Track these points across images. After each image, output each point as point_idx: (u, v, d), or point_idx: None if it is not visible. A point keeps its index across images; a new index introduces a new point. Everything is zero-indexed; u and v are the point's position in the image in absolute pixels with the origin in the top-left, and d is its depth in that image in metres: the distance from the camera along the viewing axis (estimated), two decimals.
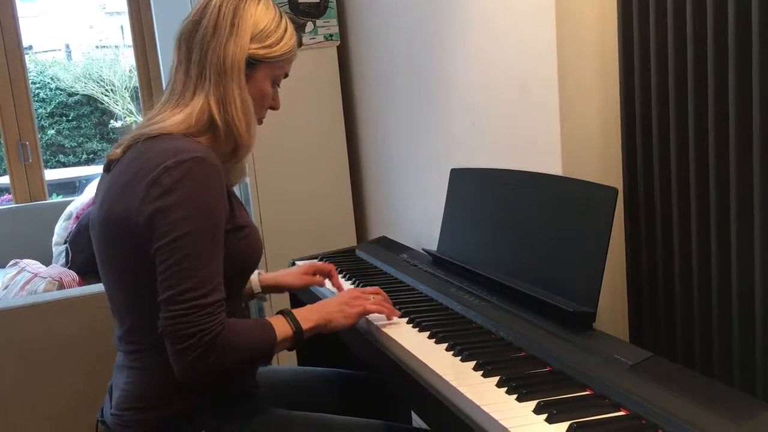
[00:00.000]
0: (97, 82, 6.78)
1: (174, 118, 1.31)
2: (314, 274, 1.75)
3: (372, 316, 1.47)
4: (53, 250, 3.51)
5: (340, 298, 1.45)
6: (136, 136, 1.31)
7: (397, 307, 1.54)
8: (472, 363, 1.23)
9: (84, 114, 6.91)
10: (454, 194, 1.89)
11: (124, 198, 1.25)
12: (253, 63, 1.35)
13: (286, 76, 1.44)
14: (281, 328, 1.33)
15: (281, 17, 1.39)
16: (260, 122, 1.44)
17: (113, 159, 1.34)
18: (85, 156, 6.89)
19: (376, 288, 1.53)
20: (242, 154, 1.37)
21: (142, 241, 1.22)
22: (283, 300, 2.19)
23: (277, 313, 1.37)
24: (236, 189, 1.58)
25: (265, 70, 1.37)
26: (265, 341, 1.30)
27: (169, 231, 1.19)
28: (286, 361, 2.50)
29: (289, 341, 1.34)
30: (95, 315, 2.24)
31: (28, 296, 2.60)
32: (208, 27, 1.33)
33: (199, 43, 1.33)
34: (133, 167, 1.26)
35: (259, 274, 1.70)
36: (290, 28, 1.40)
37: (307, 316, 1.37)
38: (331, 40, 2.74)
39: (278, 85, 1.43)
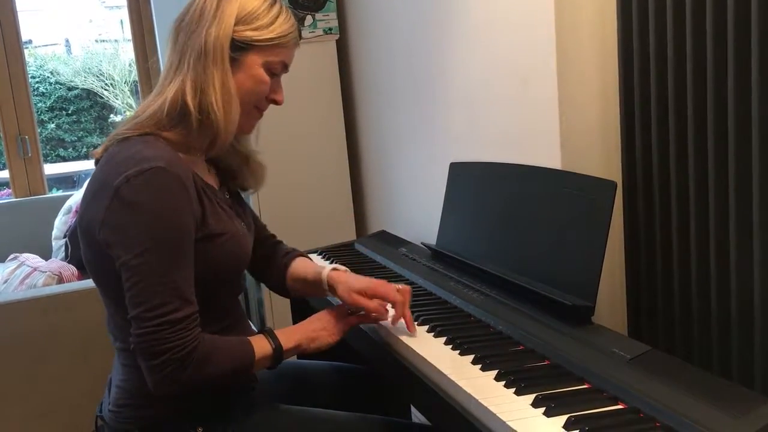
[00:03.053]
0: (97, 76, 6.77)
1: (149, 110, 1.29)
2: (372, 296, 1.42)
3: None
4: (53, 244, 3.52)
5: (325, 316, 1.42)
6: (113, 135, 1.30)
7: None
8: (471, 357, 1.24)
9: (84, 108, 6.90)
10: (453, 188, 1.88)
11: (91, 206, 1.24)
12: (241, 46, 1.31)
13: (286, 68, 1.39)
14: (260, 346, 1.31)
15: (275, 2, 1.35)
16: (260, 113, 1.40)
17: (97, 158, 1.33)
18: (84, 150, 6.89)
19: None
20: (221, 142, 1.31)
21: (104, 251, 1.21)
22: (284, 310, 2.20)
23: (259, 332, 1.35)
24: None
25: (255, 55, 1.32)
26: (242, 358, 1.28)
27: (129, 247, 1.17)
28: None
29: (268, 359, 1.32)
30: (94, 309, 2.23)
31: (27, 290, 2.60)
32: (194, 14, 1.31)
33: (184, 30, 1.31)
34: (102, 174, 1.25)
35: (333, 269, 1.50)
36: (285, 14, 1.36)
37: (290, 335, 1.36)
38: (330, 33, 2.74)
39: (277, 75, 1.38)
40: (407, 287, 1.43)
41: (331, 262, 1.96)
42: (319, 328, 1.39)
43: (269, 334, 1.34)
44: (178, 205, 1.21)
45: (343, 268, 1.52)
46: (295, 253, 1.61)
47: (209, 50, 1.28)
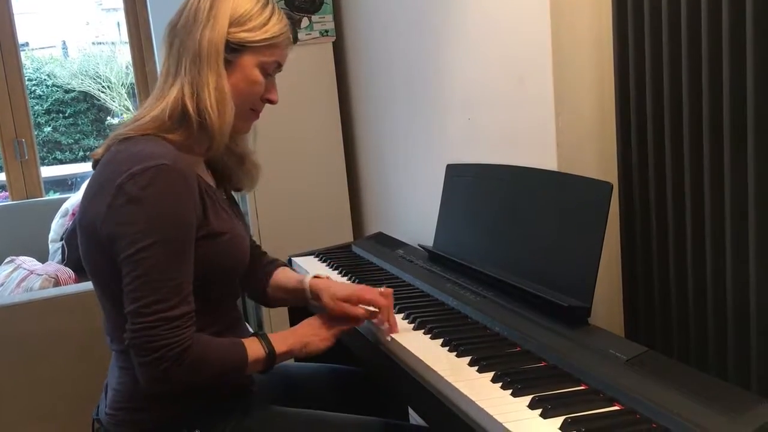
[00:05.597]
0: (94, 79, 6.76)
1: (152, 113, 1.30)
2: (357, 303, 1.43)
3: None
4: (49, 247, 3.51)
5: (316, 321, 1.42)
6: (115, 136, 1.30)
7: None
8: (468, 358, 1.23)
9: (80, 111, 6.89)
10: (450, 190, 1.89)
11: (94, 203, 1.24)
12: (235, 48, 1.32)
13: (280, 67, 1.40)
14: (254, 349, 1.31)
15: (267, 3, 1.36)
16: (257, 114, 1.41)
17: (96, 159, 1.33)
18: (81, 153, 6.87)
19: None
20: (216, 144, 1.32)
21: (106, 248, 1.21)
22: (281, 312, 2.19)
23: (252, 335, 1.36)
24: None
25: (250, 56, 1.33)
26: (235, 360, 1.28)
27: (133, 242, 1.17)
28: None
29: (261, 363, 1.32)
30: (91, 312, 2.23)
31: (24, 293, 2.59)
32: (188, 17, 1.32)
33: (179, 33, 1.32)
34: (105, 172, 1.25)
35: (315, 277, 1.52)
36: (278, 14, 1.36)
37: (282, 340, 1.36)
38: (327, 36, 2.74)
39: (271, 75, 1.39)
40: (389, 290, 1.44)
41: (329, 264, 1.96)
42: (311, 333, 1.40)
43: (263, 338, 1.34)
44: (181, 202, 1.21)
45: (324, 275, 1.53)
46: (277, 263, 1.63)
47: (203, 53, 1.29)
